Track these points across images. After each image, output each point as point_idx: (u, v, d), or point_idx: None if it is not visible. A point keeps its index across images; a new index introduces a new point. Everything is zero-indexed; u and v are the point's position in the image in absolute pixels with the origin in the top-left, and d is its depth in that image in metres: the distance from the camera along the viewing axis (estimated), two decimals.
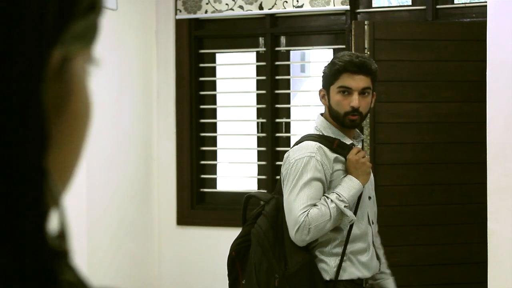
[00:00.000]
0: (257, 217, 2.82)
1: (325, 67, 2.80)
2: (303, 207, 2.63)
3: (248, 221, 2.86)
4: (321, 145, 2.71)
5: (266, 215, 2.76)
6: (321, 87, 2.82)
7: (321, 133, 2.77)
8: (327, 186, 2.71)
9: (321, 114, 2.84)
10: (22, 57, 0.46)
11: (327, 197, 2.66)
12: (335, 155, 2.72)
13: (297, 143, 2.78)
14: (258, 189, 4.74)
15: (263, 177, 4.74)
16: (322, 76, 2.81)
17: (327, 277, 2.71)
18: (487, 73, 3.51)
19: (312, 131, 2.81)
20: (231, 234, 4.83)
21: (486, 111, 3.52)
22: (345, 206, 2.65)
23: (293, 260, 2.68)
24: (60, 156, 0.51)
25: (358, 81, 2.72)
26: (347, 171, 2.73)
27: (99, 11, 0.53)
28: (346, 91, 2.72)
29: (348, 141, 2.77)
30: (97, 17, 0.53)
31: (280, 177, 2.81)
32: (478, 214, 3.99)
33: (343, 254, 2.71)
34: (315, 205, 2.64)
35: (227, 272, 2.91)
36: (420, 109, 4.21)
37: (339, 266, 2.70)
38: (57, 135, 0.49)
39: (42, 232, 0.46)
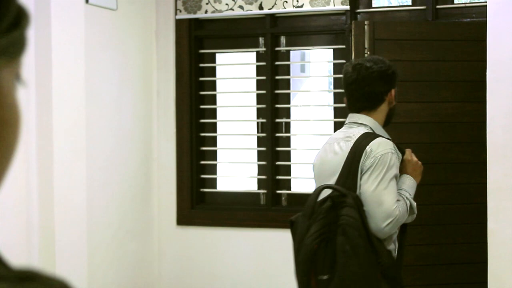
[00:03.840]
0: (328, 211, 2.75)
1: (392, 67, 2.96)
2: (395, 201, 2.69)
3: (319, 215, 2.75)
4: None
5: (354, 207, 2.74)
6: (391, 87, 2.99)
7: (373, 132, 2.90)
8: None
9: (366, 115, 2.93)
10: None
11: (400, 194, 2.76)
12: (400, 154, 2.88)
13: (366, 138, 2.83)
14: (258, 189, 4.74)
15: (263, 177, 4.74)
16: (393, 75, 2.93)
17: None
18: (487, 73, 3.51)
19: (362, 129, 2.89)
20: (231, 234, 4.85)
21: (486, 111, 3.52)
22: None
23: (385, 249, 2.75)
24: None
25: None
26: (402, 171, 2.86)
27: (25, 26, 0.54)
28: None
29: None
30: (22, 32, 0.54)
31: (357, 171, 2.79)
32: (478, 214, 3.99)
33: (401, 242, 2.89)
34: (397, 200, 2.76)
35: (299, 269, 2.79)
36: (420, 109, 4.20)
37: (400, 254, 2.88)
38: None
39: None
